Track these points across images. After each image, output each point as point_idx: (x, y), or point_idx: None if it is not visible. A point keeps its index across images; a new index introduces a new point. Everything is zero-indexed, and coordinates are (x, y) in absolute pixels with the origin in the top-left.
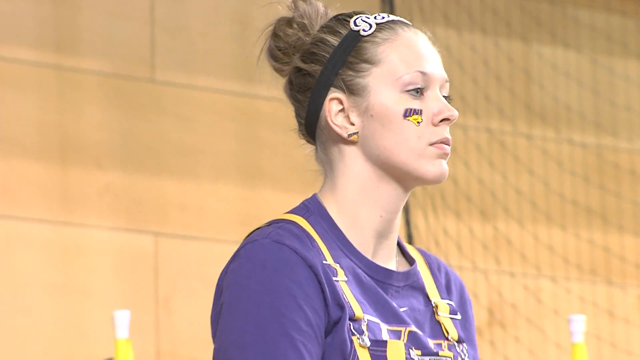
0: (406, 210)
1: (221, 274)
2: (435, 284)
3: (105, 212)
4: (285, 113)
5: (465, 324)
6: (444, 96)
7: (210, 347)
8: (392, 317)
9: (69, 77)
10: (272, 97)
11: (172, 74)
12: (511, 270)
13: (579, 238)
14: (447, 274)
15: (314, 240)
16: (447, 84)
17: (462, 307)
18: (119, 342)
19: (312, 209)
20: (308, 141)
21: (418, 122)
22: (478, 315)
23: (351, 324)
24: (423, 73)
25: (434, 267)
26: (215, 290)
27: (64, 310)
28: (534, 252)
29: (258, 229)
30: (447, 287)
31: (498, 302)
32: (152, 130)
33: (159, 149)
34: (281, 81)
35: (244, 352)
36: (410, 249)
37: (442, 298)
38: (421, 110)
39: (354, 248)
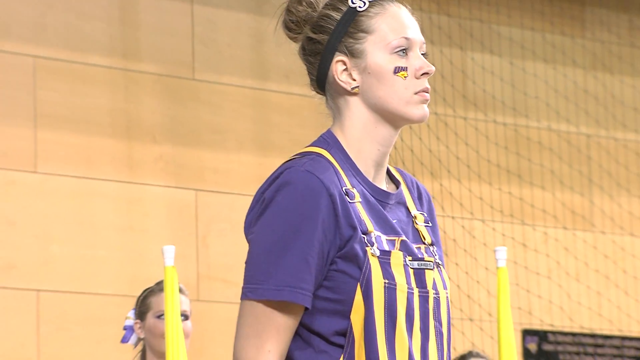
0: None
1: (265, 183)
2: (412, 198)
3: (159, 174)
4: (288, 103)
5: (433, 229)
6: (422, 54)
7: (235, 272)
8: (389, 229)
9: (133, 76)
10: (279, 90)
11: (206, 74)
12: (452, 215)
13: (501, 191)
14: (418, 188)
15: (336, 169)
16: (424, 45)
17: (430, 215)
18: (167, 269)
19: (331, 142)
20: (318, 92)
21: (405, 77)
22: None
23: (365, 237)
24: (406, 38)
25: (409, 184)
26: (256, 195)
27: (129, 246)
28: (468, 202)
29: (294, 157)
30: (419, 199)
31: (443, 238)
32: (191, 115)
33: (197, 128)
34: (285, 78)
35: (267, 254)
36: (391, 169)
37: (417, 210)
38: (406, 68)
39: (363, 174)
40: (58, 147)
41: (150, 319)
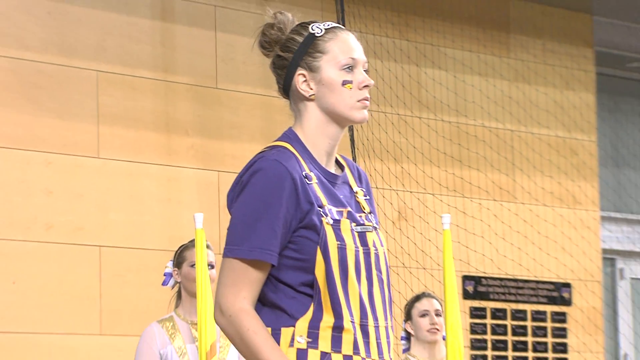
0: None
1: (243, 169)
2: (354, 178)
3: (190, 159)
4: (287, 106)
5: (370, 201)
6: (365, 70)
7: None
8: (338, 202)
9: (170, 85)
10: (280, 97)
11: (226, 84)
12: (410, 190)
13: (447, 172)
14: (358, 171)
15: (297, 158)
16: (366, 64)
17: (367, 190)
18: (197, 231)
19: (292, 137)
20: (284, 97)
21: (350, 88)
22: (391, 215)
23: (320, 209)
24: (353, 58)
25: (352, 168)
26: (236, 178)
27: (168, 213)
28: (422, 180)
29: (265, 150)
30: (359, 179)
31: (403, 207)
32: (215, 115)
33: (219, 125)
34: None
35: (243, 223)
36: (338, 157)
37: (358, 187)
38: (352, 81)
39: (317, 162)
40: (115, 139)
41: (185, 267)
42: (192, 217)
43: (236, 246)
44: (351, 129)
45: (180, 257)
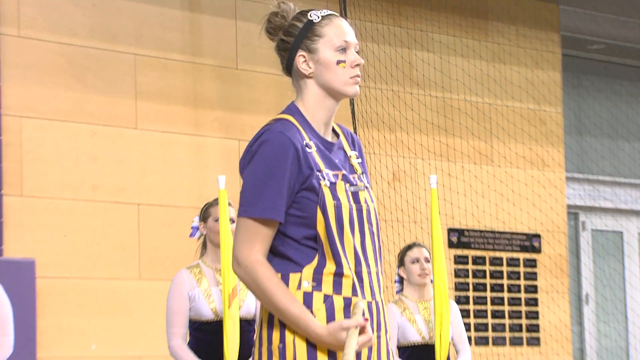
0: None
1: (252, 139)
2: (348, 144)
3: (215, 129)
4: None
5: (362, 164)
6: (356, 52)
7: None
8: (334, 166)
9: (198, 67)
10: None
11: (245, 65)
12: (403, 155)
13: (434, 140)
14: (352, 137)
15: (299, 129)
16: (357, 46)
17: (360, 154)
18: (220, 191)
19: (294, 111)
20: (287, 75)
21: (344, 67)
22: (386, 177)
23: (319, 173)
24: (345, 41)
25: (346, 135)
26: (247, 147)
27: (197, 176)
28: (413, 147)
29: (271, 122)
30: (353, 144)
31: (397, 170)
32: (236, 91)
33: (240, 100)
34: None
35: (254, 187)
36: (335, 126)
37: (351, 151)
38: (345, 60)
39: (316, 132)
40: (150, 112)
41: (210, 222)
42: (216, 180)
43: (249, 207)
44: (352, 104)
45: (206, 213)
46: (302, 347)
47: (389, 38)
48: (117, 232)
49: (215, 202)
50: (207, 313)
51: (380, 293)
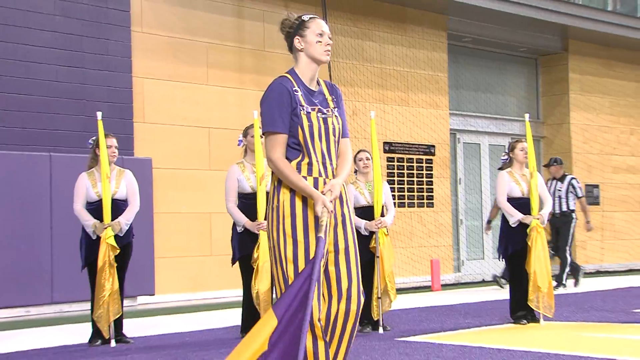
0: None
1: (266, 88)
2: (328, 91)
3: (251, 86)
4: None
5: (337, 102)
6: (329, 37)
7: None
8: (312, 103)
9: (243, 52)
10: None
11: (271, 48)
12: (358, 101)
13: (376, 92)
14: (334, 88)
15: (291, 81)
16: (329, 35)
17: (337, 98)
18: (255, 121)
19: (291, 71)
20: (290, 52)
21: (320, 45)
22: (350, 113)
23: (301, 107)
24: (322, 31)
25: (328, 86)
26: (264, 93)
27: (242, 111)
28: (364, 97)
29: (277, 77)
30: (332, 92)
31: (355, 109)
32: (263, 64)
33: (265, 69)
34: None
35: (268, 115)
36: (320, 80)
37: (329, 96)
38: (322, 41)
39: (304, 83)
40: (215, 75)
41: (248, 137)
42: (252, 113)
43: (268, 127)
44: (329, 70)
45: (246, 132)
46: (287, 206)
47: (351, 33)
48: (197, 145)
49: (251, 126)
50: (247, 188)
51: (333, 175)
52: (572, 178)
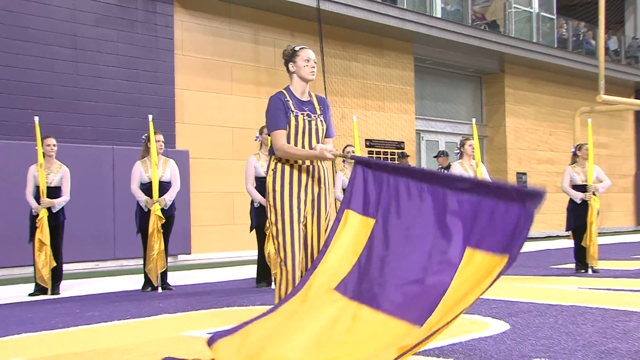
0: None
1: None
2: (318, 102)
3: (265, 95)
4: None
5: (324, 111)
6: (314, 62)
7: None
8: (301, 109)
9: (258, 68)
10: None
11: (278, 67)
12: (346, 108)
13: (356, 100)
14: (322, 99)
15: (285, 95)
16: (315, 61)
17: (325, 108)
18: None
19: (286, 88)
20: (287, 73)
21: (307, 67)
22: (338, 116)
23: (290, 112)
24: (309, 57)
25: (319, 99)
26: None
27: (258, 116)
28: (350, 104)
29: (275, 92)
30: (321, 104)
31: (344, 113)
32: (273, 79)
33: (275, 82)
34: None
35: (271, 118)
36: (312, 94)
37: (318, 106)
38: (307, 65)
39: (295, 96)
40: (239, 87)
41: (263, 134)
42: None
43: (273, 127)
44: (324, 85)
45: (261, 130)
46: (280, 171)
47: (341, 56)
48: (223, 140)
49: (264, 126)
50: (261, 173)
51: (324, 164)
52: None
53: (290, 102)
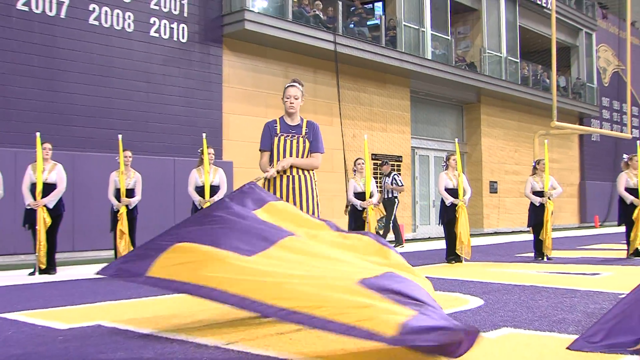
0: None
1: None
2: (307, 126)
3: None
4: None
5: (309, 133)
6: (295, 97)
7: None
8: (287, 132)
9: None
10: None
11: (306, 97)
12: (354, 127)
13: (365, 120)
14: (311, 124)
15: (276, 121)
16: (295, 95)
17: (312, 131)
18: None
19: (280, 117)
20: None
21: (287, 102)
22: (350, 135)
23: (275, 134)
24: (290, 94)
25: (308, 124)
26: None
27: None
28: (359, 124)
29: (269, 120)
30: (309, 127)
31: (355, 134)
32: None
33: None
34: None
35: (262, 140)
36: (304, 120)
37: (305, 129)
38: (287, 100)
39: (285, 122)
40: (267, 112)
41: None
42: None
43: (260, 147)
44: (339, 105)
45: None
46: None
47: (353, 88)
48: (257, 154)
49: None
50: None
51: (298, 172)
52: (395, 174)
53: (278, 127)
